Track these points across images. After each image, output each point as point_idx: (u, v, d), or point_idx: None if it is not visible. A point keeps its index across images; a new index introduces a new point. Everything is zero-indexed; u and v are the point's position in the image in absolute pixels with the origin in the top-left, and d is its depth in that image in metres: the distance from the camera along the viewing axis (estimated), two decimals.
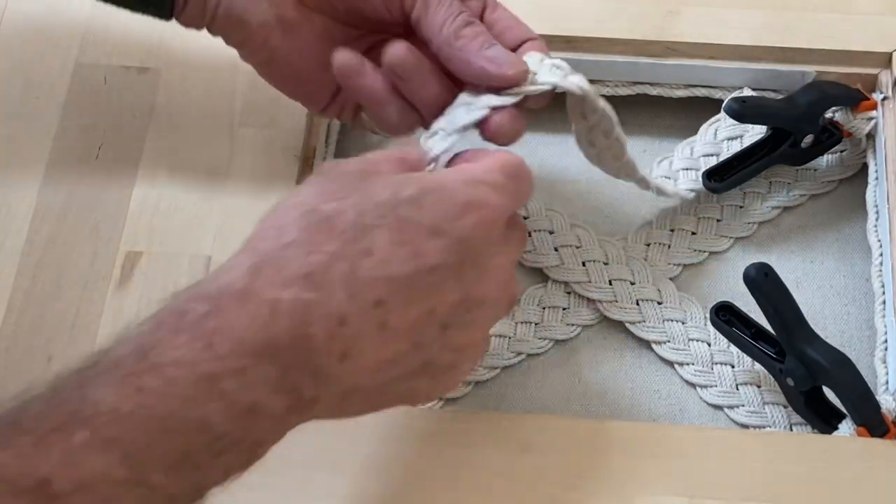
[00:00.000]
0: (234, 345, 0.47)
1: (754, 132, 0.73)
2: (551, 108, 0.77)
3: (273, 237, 0.51)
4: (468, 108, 0.61)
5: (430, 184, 0.53)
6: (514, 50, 0.63)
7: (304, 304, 0.48)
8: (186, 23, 0.65)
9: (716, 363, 0.68)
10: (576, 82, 0.62)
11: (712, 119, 0.75)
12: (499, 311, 0.56)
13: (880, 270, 0.69)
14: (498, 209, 0.54)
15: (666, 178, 0.73)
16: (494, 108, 0.60)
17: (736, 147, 0.73)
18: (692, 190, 0.72)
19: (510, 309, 0.60)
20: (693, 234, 0.73)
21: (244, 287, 0.49)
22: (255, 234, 0.51)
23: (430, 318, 0.52)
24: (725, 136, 0.74)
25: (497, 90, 0.61)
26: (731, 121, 0.72)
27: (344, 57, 0.62)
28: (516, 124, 0.61)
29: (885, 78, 0.73)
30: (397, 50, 0.61)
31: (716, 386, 0.68)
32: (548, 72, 0.61)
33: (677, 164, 0.74)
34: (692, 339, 0.69)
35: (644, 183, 0.68)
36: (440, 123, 0.61)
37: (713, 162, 0.72)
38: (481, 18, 0.64)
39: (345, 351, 0.50)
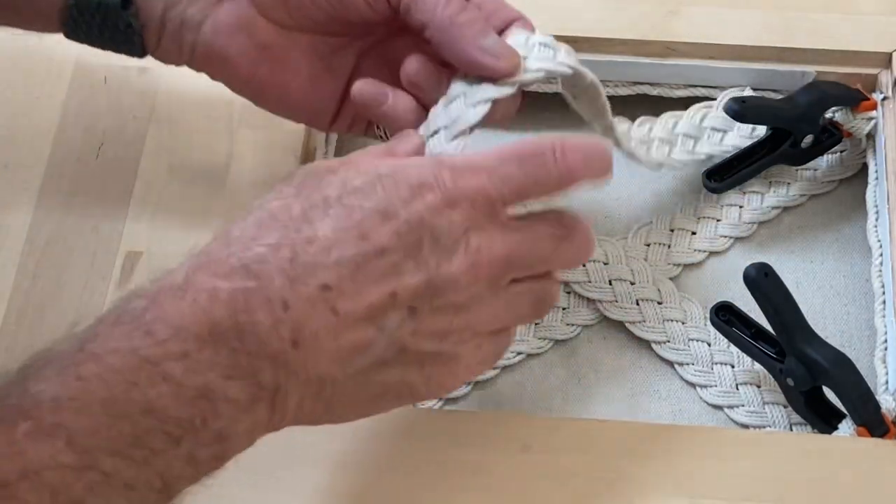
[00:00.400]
0: (173, 331, 0.47)
1: (741, 131, 0.73)
2: (551, 107, 0.78)
3: (221, 238, 0.51)
4: (466, 100, 0.60)
5: (384, 169, 0.52)
6: (501, 32, 0.61)
7: (242, 291, 0.48)
8: (164, 59, 0.64)
9: (716, 363, 0.68)
10: (565, 62, 0.61)
11: (705, 104, 0.74)
12: (486, 297, 0.53)
13: (880, 270, 0.69)
14: (467, 190, 0.52)
15: (641, 142, 0.72)
16: (496, 101, 0.60)
17: (718, 138, 0.73)
18: (661, 164, 0.71)
19: (502, 294, 0.54)
20: (693, 234, 0.73)
21: (183, 281, 0.49)
22: (209, 241, 0.52)
23: (392, 302, 0.51)
24: (710, 126, 0.73)
25: (492, 79, 0.60)
26: (722, 113, 0.72)
27: (364, 88, 0.61)
28: (517, 108, 0.62)
29: (885, 78, 0.73)
30: (413, 64, 0.61)
31: (716, 386, 0.68)
32: (538, 55, 0.61)
33: (656, 131, 0.73)
34: (692, 339, 0.69)
35: (618, 144, 0.67)
36: (440, 120, 0.60)
37: (690, 144, 0.72)
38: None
39: (295, 338, 0.49)
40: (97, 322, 0.48)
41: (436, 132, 0.60)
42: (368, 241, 0.50)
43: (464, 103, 0.60)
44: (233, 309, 0.48)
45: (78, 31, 0.63)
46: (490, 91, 0.60)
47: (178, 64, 0.64)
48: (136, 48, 0.63)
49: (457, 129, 0.60)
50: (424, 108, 0.61)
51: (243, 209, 0.68)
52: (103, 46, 0.64)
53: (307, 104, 0.65)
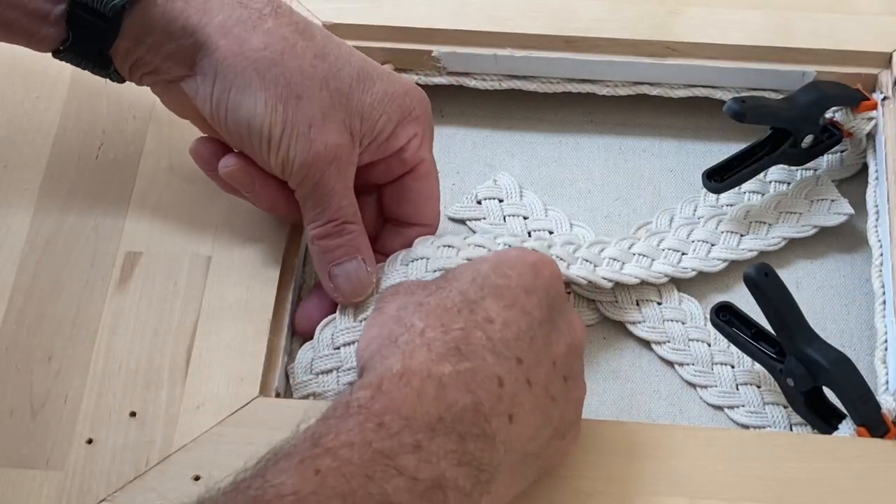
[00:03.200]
0: (404, 422, 0.48)
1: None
2: (552, 109, 0.78)
3: (404, 331, 0.52)
4: (428, 265, 0.65)
5: (494, 256, 0.56)
6: (409, 224, 0.66)
7: (463, 373, 0.50)
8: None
9: (716, 363, 0.68)
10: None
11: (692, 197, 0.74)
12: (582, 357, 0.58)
13: (880, 270, 0.69)
14: (556, 265, 0.57)
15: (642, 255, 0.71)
16: None
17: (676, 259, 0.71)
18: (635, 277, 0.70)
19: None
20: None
21: (402, 369, 0.50)
22: (379, 344, 0.53)
23: (556, 372, 0.53)
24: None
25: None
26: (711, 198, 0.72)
27: (233, 172, 0.64)
28: None
29: (885, 78, 0.73)
30: (227, 161, 0.64)
31: (716, 386, 0.68)
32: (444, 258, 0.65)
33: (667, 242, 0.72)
34: (692, 340, 0.69)
35: None
36: (397, 276, 0.64)
37: (675, 258, 0.71)
38: (406, 181, 0.66)
39: (511, 412, 0.50)
40: (324, 417, 0.49)
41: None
42: (530, 315, 0.53)
43: (425, 268, 0.64)
44: (458, 392, 0.49)
45: (69, 62, 0.65)
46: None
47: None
48: (122, 81, 0.66)
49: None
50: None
51: (243, 209, 0.68)
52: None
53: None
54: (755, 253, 0.71)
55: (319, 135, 0.62)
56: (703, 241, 0.71)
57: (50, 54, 0.64)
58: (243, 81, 0.61)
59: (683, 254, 0.71)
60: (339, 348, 0.64)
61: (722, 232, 0.71)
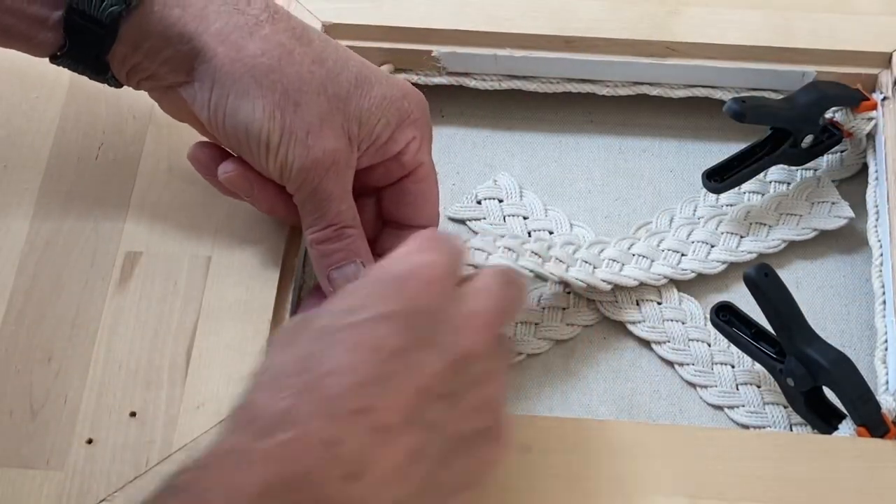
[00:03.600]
0: (228, 497, 0.47)
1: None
2: (552, 109, 0.78)
3: (246, 403, 0.50)
4: None
5: (357, 284, 0.53)
6: (409, 227, 0.66)
7: (286, 442, 0.48)
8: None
9: (716, 363, 0.68)
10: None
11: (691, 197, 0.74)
12: (497, 354, 0.54)
13: (880, 270, 0.69)
14: (435, 266, 0.53)
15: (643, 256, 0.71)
16: None
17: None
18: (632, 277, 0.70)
19: (509, 350, 0.57)
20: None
21: (226, 445, 0.48)
22: (231, 415, 0.51)
23: (427, 397, 0.50)
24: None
25: None
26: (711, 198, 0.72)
27: (231, 177, 0.64)
28: None
29: (885, 78, 0.73)
30: (226, 168, 0.64)
31: (716, 386, 0.68)
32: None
33: (669, 242, 0.72)
34: (692, 340, 0.69)
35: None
36: None
37: (674, 259, 0.71)
38: (405, 184, 0.66)
39: (355, 470, 0.48)
40: (153, 498, 0.48)
41: None
42: (381, 350, 0.50)
43: None
44: (281, 463, 0.47)
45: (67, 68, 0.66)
46: None
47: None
48: (120, 86, 0.66)
49: None
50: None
51: (243, 209, 0.68)
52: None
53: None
54: (755, 255, 0.71)
55: (317, 140, 0.62)
56: (703, 243, 0.71)
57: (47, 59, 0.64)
58: (241, 88, 0.61)
59: (683, 255, 0.71)
60: None
61: (722, 233, 0.71)
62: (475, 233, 0.72)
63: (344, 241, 0.64)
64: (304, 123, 0.61)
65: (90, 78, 0.65)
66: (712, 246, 0.71)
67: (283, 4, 0.66)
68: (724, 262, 0.71)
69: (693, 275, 0.70)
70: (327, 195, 0.63)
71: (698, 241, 0.71)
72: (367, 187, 0.67)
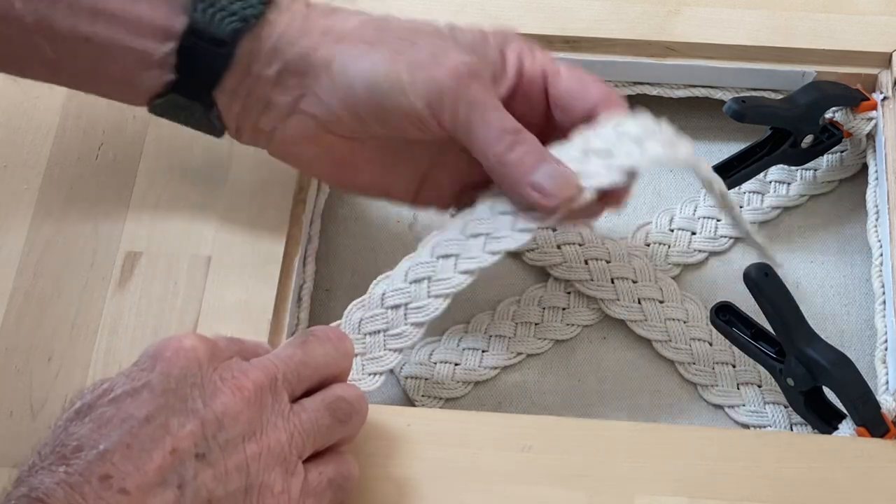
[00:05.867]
0: None
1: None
2: None
3: (21, 475, 0.51)
4: (514, 221, 0.62)
5: (128, 370, 0.54)
6: (588, 116, 0.63)
7: None
8: (244, 142, 0.66)
9: (717, 363, 0.68)
10: (653, 155, 0.63)
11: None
12: (272, 418, 0.54)
13: (880, 270, 0.69)
14: (193, 341, 0.54)
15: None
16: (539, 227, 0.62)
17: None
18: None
19: (292, 416, 0.55)
20: (693, 234, 0.73)
21: None
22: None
23: (177, 457, 0.51)
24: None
25: None
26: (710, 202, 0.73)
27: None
28: (596, 215, 0.65)
29: (885, 78, 0.73)
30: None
31: (716, 385, 0.68)
32: (625, 150, 0.62)
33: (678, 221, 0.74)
34: (693, 339, 0.69)
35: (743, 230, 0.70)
36: (483, 226, 0.62)
37: (685, 238, 0.72)
38: (545, 91, 0.64)
39: None
40: None
41: (477, 235, 0.62)
42: (128, 421, 0.51)
43: (510, 223, 0.62)
44: None
45: (163, 115, 0.65)
46: (537, 221, 0.62)
47: (257, 146, 0.67)
48: (220, 134, 0.66)
49: (496, 247, 0.62)
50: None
51: (243, 209, 0.68)
52: (185, 123, 0.66)
53: (383, 189, 0.67)
54: (779, 210, 0.73)
55: (445, 59, 0.61)
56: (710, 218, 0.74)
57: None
58: (356, 54, 0.61)
59: (718, 221, 0.73)
60: (387, 309, 0.63)
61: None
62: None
63: (529, 144, 0.61)
64: (426, 53, 0.61)
65: (192, 126, 0.65)
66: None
67: None
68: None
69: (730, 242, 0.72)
70: (483, 105, 0.61)
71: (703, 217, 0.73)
72: (531, 124, 0.64)
